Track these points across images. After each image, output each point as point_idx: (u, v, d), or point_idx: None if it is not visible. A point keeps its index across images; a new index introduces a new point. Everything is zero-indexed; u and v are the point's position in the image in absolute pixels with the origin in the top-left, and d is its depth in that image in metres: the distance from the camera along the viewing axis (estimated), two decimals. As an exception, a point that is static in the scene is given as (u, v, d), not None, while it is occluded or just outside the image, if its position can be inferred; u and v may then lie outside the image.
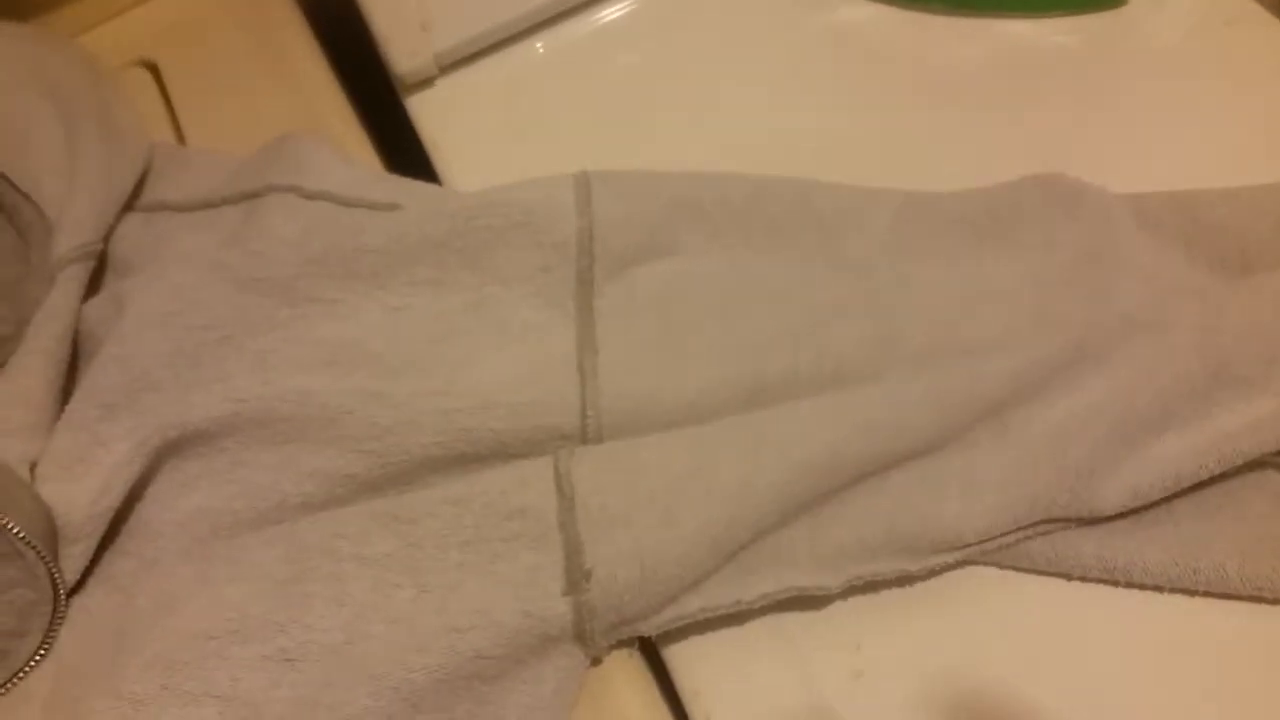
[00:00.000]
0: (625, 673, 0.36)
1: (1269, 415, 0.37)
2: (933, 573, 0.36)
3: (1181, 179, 0.43)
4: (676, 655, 0.36)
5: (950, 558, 0.36)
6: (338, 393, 0.37)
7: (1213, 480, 0.36)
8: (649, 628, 0.34)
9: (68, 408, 0.37)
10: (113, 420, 0.37)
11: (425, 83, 0.51)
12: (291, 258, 0.41)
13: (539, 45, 0.52)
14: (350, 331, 0.40)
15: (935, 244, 0.43)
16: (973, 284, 0.42)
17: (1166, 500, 0.36)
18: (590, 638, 0.34)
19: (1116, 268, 0.41)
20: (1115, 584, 0.36)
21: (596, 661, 0.35)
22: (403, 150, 0.52)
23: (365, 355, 0.39)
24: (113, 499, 0.35)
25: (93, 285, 0.43)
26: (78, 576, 0.35)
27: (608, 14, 0.53)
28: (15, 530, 0.32)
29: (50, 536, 0.34)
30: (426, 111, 0.51)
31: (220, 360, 0.38)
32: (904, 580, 0.37)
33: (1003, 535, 0.36)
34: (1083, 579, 0.37)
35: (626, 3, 0.53)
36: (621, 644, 0.35)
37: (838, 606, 0.37)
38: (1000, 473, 0.37)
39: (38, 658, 0.34)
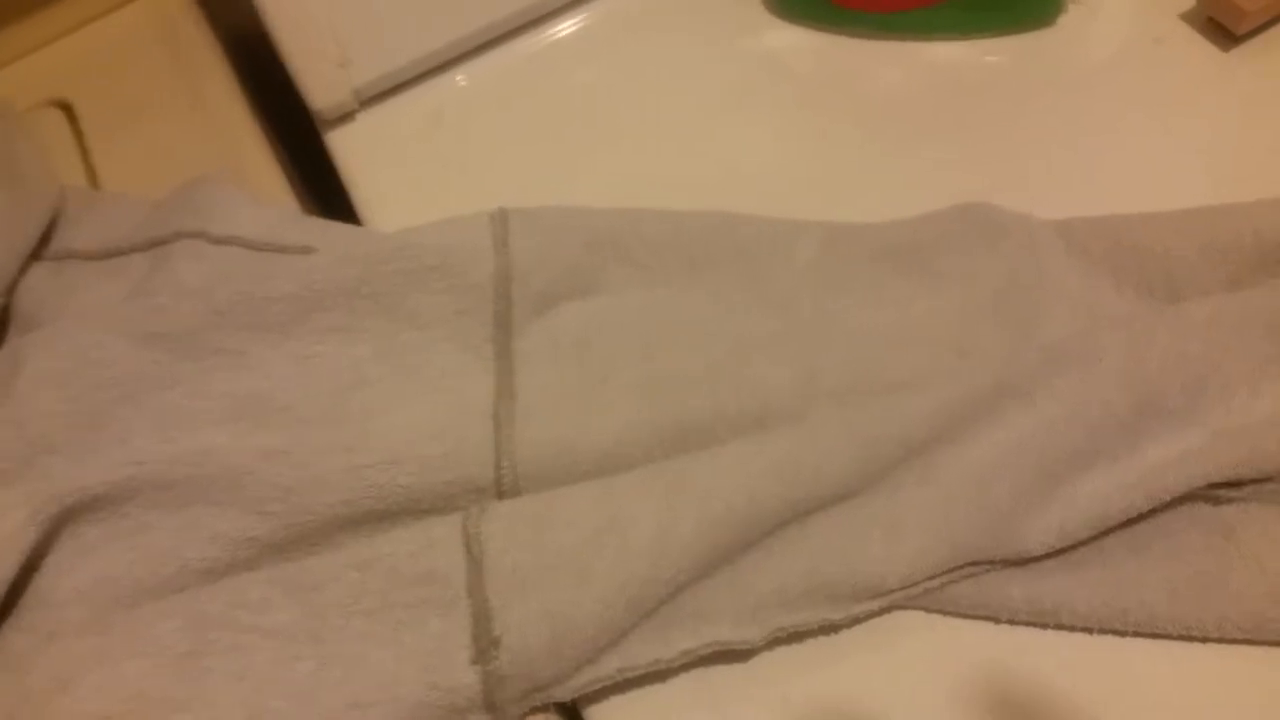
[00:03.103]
0: (543, 737, 0.35)
1: (1197, 448, 0.36)
2: (857, 620, 0.35)
3: (1112, 200, 0.43)
4: (597, 715, 0.35)
5: (874, 604, 0.35)
6: (240, 451, 0.36)
7: (1144, 516, 0.35)
8: (564, 692, 0.33)
9: (-42, 476, 0.36)
10: (6, 487, 0.35)
11: (345, 118, 0.50)
12: (196, 309, 0.39)
13: (460, 78, 0.51)
14: (256, 384, 0.38)
15: (859, 278, 0.43)
16: (896, 319, 0.41)
17: (1097, 538, 0.36)
18: (501, 708, 0.32)
19: (1043, 298, 0.41)
20: (1045, 626, 0.35)
21: (512, 729, 0.34)
22: (328, 188, 0.51)
23: (272, 409, 0.38)
24: (6, 571, 0.34)
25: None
26: (-33, 656, 0.34)
27: (530, 45, 0.52)
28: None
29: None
30: (346, 147, 0.49)
31: (120, 420, 0.37)
32: (830, 628, 0.36)
33: (928, 579, 0.35)
34: (1011, 622, 0.36)
35: (550, 33, 0.52)
36: (537, 710, 0.34)
37: (763, 658, 0.36)
38: (923, 516, 0.36)
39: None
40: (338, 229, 0.44)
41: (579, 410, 0.38)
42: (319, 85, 0.48)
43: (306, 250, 0.42)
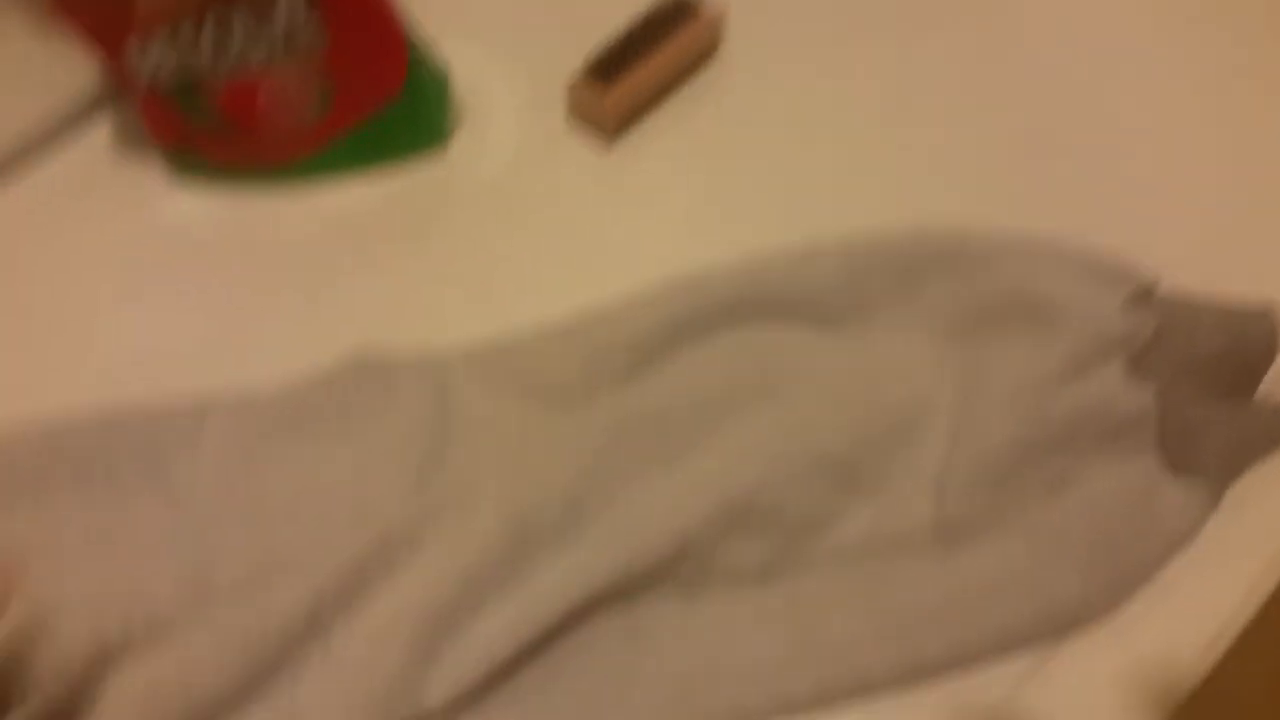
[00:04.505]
0: None
1: (580, 562, 0.36)
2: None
3: (527, 315, 0.44)
4: None
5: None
6: None
7: (558, 635, 0.36)
8: None
9: None
10: None
11: None
12: None
13: None
14: None
15: (263, 453, 0.41)
16: (299, 489, 0.40)
17: (514, 670, 0.36)
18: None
19: (450, 433, 0.40)
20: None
21: None
22: None
23: None
24: None
25: None
26: None
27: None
28: None
29: None
30: None
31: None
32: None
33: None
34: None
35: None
36: None
37: None
38: (324, 693, 0.35)
39: None
40: None
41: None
42: None
43: None
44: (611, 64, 0.47)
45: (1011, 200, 0.46)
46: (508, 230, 0.48)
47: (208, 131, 0.46)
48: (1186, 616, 0.36)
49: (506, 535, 0.37)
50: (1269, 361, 0.39)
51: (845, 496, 0.37)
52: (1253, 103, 0.50)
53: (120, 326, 0.46)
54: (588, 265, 0.46)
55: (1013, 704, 0.36)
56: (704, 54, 0.51)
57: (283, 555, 0.38)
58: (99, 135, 0.51)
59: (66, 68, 0.48)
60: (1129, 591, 0.37)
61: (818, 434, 0.37)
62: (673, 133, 0.50)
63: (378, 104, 0.47)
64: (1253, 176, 0.47)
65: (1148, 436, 0.37)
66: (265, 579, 0.37)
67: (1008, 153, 0.48)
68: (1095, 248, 0.41)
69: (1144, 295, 0.39)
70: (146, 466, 0.41)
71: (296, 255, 0.48)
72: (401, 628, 0.35)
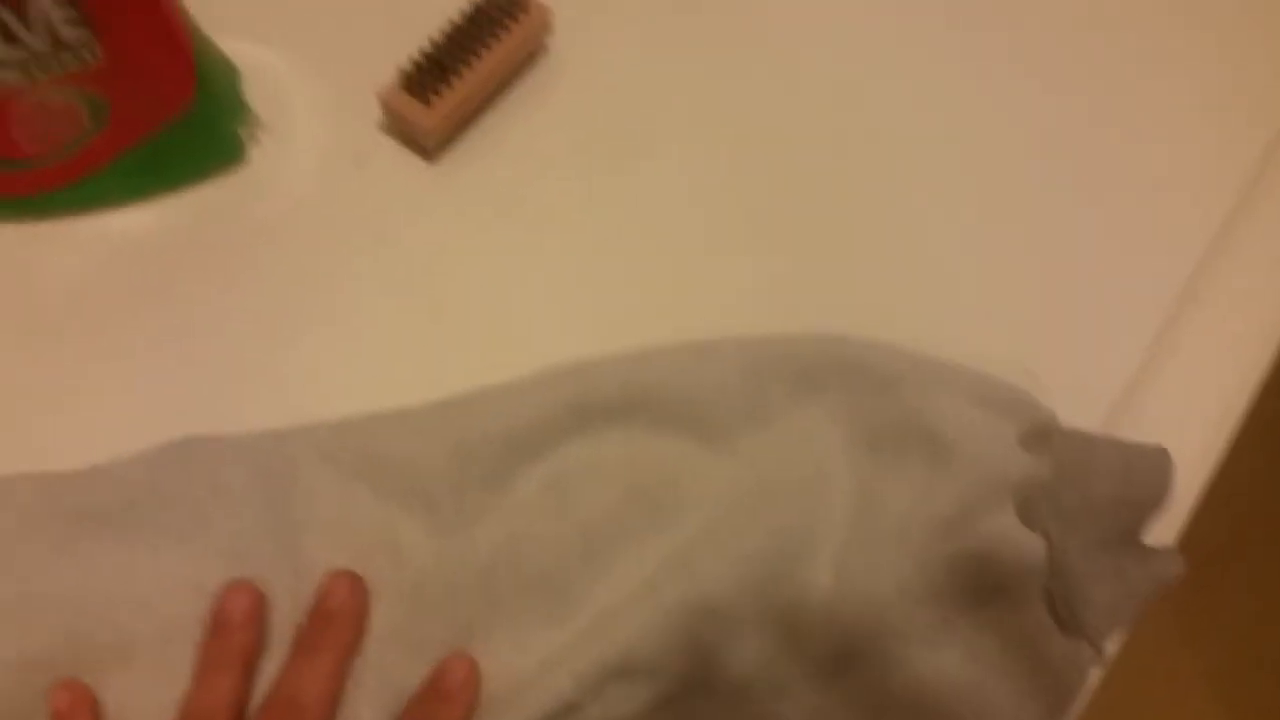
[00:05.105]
0: None
1: None
2: None
3: (350, 369, 0.40)
4: None
5: None
6: None
7: None
8: None
9: None
10: None
11: None
12: None
13: None
14: None
15: (66, 547, 0.36)
16: (115, 589, 0.35)
17: None
18: None
19: (300, 521, 0.36)
20: None
21: None
22: None
23: None
24: None
25: None
26: None
27: None
28: None
29: None
30: None
31: None
32: None
33: None
34: None
35: None
36: None
37: None
38: None
39: None
40: None
41: None
42: None
43: None
44: (431, 71, 0.43)
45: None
46: (316, 262, 0.43)
47: (-51, 156, 0.39)
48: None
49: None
50: (1160, 504, 0.39)
51: (729, 642, 0.35)
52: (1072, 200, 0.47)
53: None
54: (414, 302, 0.42)
55: None
56: (532, 53, 0.47)
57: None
58: None
59: None
60: None
61: (702, 582, 0.35)
62: (500, 144, 0.46)
63: (161, 119, 0.41)
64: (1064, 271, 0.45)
65: (1035, 589, 0.36)
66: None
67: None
68: (993, 373, 0.39)
69: (1041, 433, 0.38)
70: None
71: (73, 296, 0.41)
72: None
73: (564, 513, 0.36)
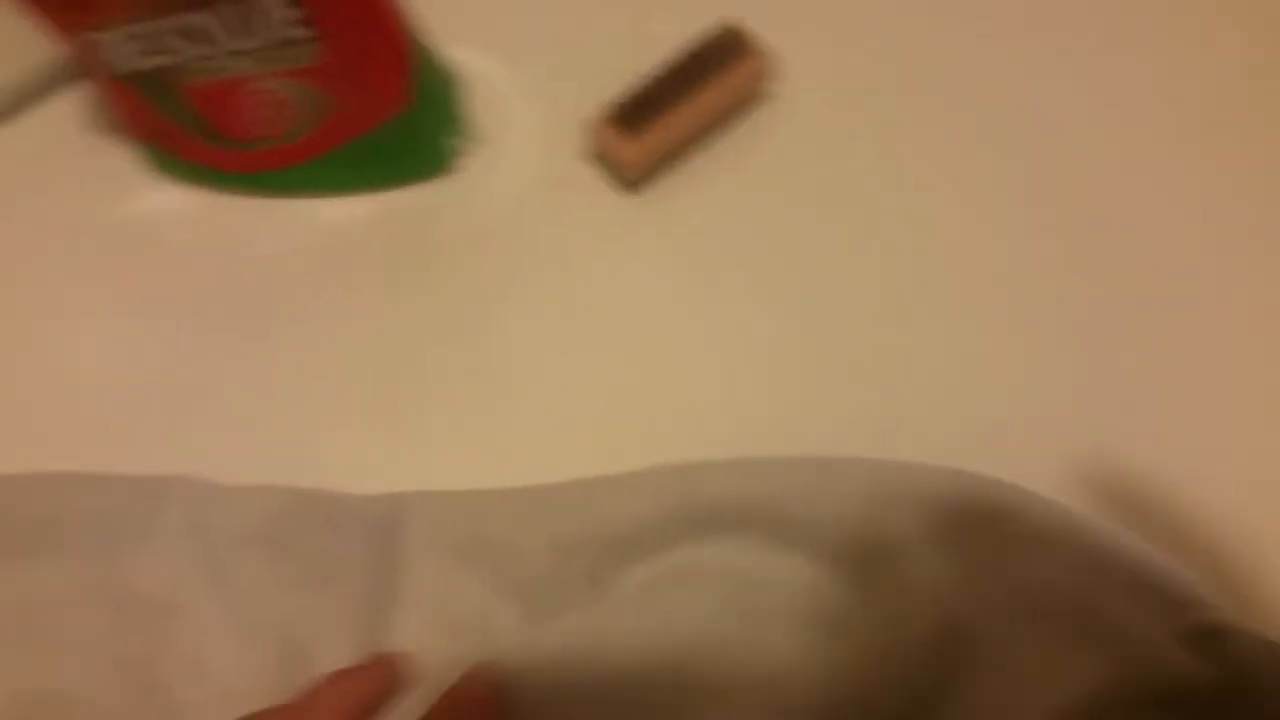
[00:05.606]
0: None
1: None
2: None
3: (516, 401, 0.40)
4: None
5: None
6: None
7: None
8: None
9: None
10: None
11: None
12: None
13: None
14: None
15: (223, 567, 0.37)
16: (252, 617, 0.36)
17: None
18: None
19: (394, 598, 0.36)
20: None
21: None
22: None
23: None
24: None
25: None
26: None
27: None
28: None
29: None
30: None
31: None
32: None
33: None
34: None
35: None
36: None
37: None
38: None
39: None
40: None
41: None
42: None
43: None
44: (641, 106, 0.42)
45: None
46: (505, 283, 0.43)
47: (181, 128, 0.42)
48: None
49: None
50: None
51: None
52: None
53: (75, 341, 0.42)
54: (597, 338, 0.41)
55: None
56: (750, 97, 0.45)
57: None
58: (61, 118, 0.46)
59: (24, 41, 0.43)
60: None
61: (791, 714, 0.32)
62: (702, 187, 0.44)
63: (377, 121, 0.42)
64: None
65: None
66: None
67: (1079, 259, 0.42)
68: (1153, 554, 0.33)
69: (1207, 632, 0.32)
70: (99, 548, 0.37)
71: (272, 271, 0.43)
72: None
73: (658, 617, 0.34)
